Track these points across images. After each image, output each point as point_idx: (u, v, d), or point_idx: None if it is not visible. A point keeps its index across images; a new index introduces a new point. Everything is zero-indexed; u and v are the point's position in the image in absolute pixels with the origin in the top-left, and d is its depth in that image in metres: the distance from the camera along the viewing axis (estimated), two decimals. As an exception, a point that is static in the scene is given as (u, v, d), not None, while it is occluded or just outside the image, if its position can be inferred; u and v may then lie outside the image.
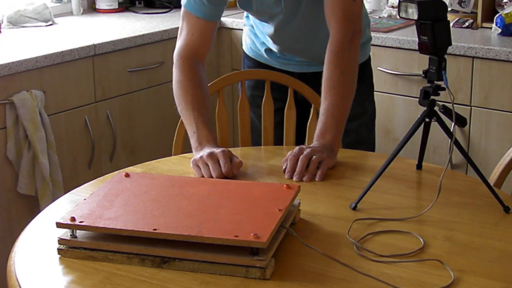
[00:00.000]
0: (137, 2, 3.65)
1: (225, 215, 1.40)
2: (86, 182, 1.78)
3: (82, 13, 3.45)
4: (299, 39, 2.17)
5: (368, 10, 3.06)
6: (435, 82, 1.61)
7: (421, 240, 1.45)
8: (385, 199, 1.65)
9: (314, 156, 1.78)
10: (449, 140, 1.64)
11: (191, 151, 1.87)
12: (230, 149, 1.82)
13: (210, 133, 1.88)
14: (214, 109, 2.19)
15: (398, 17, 1.91)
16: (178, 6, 2.34)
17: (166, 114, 3.11)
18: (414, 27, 1.64)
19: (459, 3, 3.11)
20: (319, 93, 1.96)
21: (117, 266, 1.35)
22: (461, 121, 2.81)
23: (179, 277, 1.31)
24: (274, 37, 2.19)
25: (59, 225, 1.39)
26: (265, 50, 2.29)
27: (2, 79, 2.52)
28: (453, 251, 1.42)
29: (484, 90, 2.78)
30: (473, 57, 2.77)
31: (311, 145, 1.84)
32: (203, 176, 1.74)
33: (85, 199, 1.49)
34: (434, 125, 1.66)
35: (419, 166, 1.83)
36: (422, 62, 2.84)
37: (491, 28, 2.95)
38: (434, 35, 1.57)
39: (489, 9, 3.05)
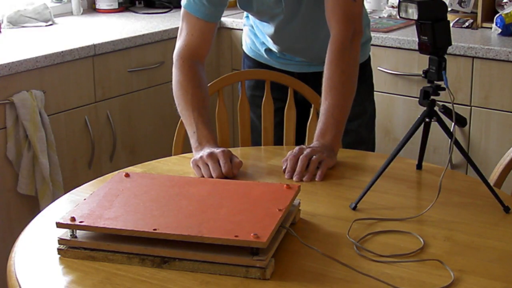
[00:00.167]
0: (137, 2, 3.65)
1: (225, 215, 1.40)
2: (86, 182, 1.78)
3: (82, 13, 3.45)
4: (299, 39, 2.17)
5: (368, 10, 3.06)
6: (435, 82, 1.61)
7: (421, 240, 1.44)
8: (385, 199, 1.65)
9: (314, 156, 1.78)
10: (449, 140, 1.64)
11: (191, 151, 1.87)
12: (230, 149, 1.82)
13: (210, 133, 1.88)
14: (214, 109, 2.19)
15: (398, 17, 1.91)
16: (178, 6, 2.34)
17: (166, 114, 3.11)
18: (414, 27, 1.64)
19: (459, 3, 3.11)
20: (319, 93, 1.96)
21: (117, 266, 1.35)
22: (461, 121, 2.81)
23: (179, 277, 1.31)
24: (274, 37, 2.19)
25: (59, 225, 1.39)
26: (265, 50, 2.29)
27: (2, 79, 2.52)
28: (453, 251, 1.41)
29: (484, 90, 2.78)
30: (473, 57, 2.77)
31: (311, 145, 1.83)
32: (203, 176, 1.74)
33: (85, 199, 1.49)
34: (434, 125, 1.66)
35: (419, 166, 1.83)
36: (422, 62, 2.84)
37: (491, 28, 2.95)
38: (434, 35, 1.56)
39: (489, 9, 3.05)
